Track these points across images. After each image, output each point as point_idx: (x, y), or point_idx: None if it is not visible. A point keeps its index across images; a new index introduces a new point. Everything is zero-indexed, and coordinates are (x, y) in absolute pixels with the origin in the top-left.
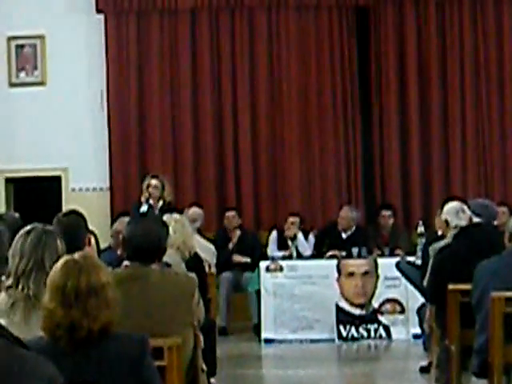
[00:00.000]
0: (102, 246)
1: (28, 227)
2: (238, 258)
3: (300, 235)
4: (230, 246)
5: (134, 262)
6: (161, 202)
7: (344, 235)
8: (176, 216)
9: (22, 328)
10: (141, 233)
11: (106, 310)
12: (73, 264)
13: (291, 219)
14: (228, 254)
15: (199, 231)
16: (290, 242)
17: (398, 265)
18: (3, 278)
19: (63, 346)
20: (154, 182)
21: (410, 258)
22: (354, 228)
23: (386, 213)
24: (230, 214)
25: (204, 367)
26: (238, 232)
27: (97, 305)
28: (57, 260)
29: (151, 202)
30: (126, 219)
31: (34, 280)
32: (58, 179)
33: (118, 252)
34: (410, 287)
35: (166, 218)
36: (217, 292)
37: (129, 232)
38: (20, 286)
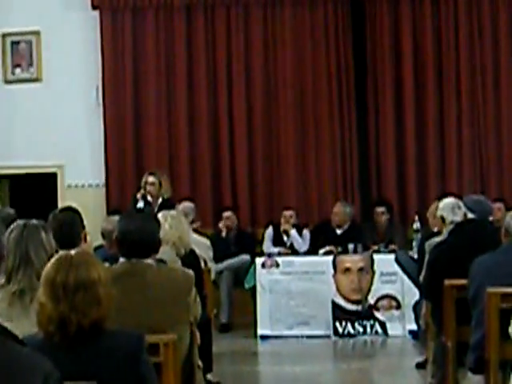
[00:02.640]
0: (96, 243)
1: (11, 226)
2: None
3: (293, 232)
4: (223, 234)
5: (130, 258)
6: (160, 200)
7: (338, 231)
8: (173, 212)
9: (23, 322)
10: (134, 229)
11: (97, 307)
12: (64, 259)
13: (286, 213)
14: (225, 244)
15: (193, 228)
16: (285, 238)
17: (396, 258)
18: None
19: (57, 341)
20: (150, 179)
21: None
22: (348, 224)
23: (380, 209)
24: (226, 214)
25: (200, 364)
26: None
27: (85, 300)
28: (44, 251)
29: (149, 198)
30: (115, 218)
31: (24, 275)
32: (53, 176)
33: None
34: (407, 283)
35: (162, 214)
36: (218, 289)
37: (121, 229)
38: (11, 283)
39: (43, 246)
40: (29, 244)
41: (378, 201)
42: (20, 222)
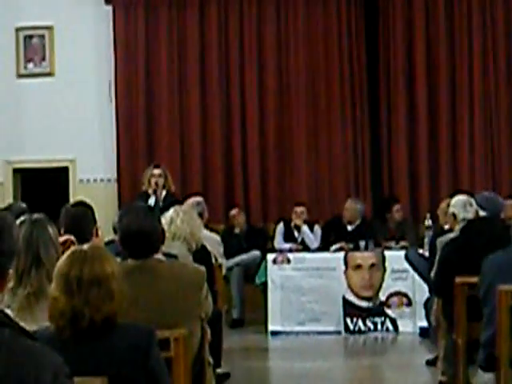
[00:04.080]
0: (107, 238)
1: (16, 223)
2: None
3: (305, 228)
4: (237, 230)
5: (137, 259)
6: (164, 192)
7: (349, 228)
8: (184, 208)
9: (28, 323)
10: (135, 230)
11: (110, 302)
12: (79, 253)
13: (298, 209)
14: (237, 240)
15: (204, 224)
16: (296, 233)
17: (406, 255)
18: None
19: (68, 336)
20: (156, 171)
21: (419, 251)
22: (359, 220)
23: (397, 207)
24: (232, 212)
25: (211, 360)
26: (244, 225)
27: (99, 295)
28: (54, 249)
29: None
30: None
31: (36, 275)
32: (65, 170)
33: None
34: (417, 280)
35: (173, 209)
36: (228, 285)
37: (123, 232)
38: (23, 285)
39: (53, 243)
40: (39, 244)
41: (395, 198)
42: (27, 217)
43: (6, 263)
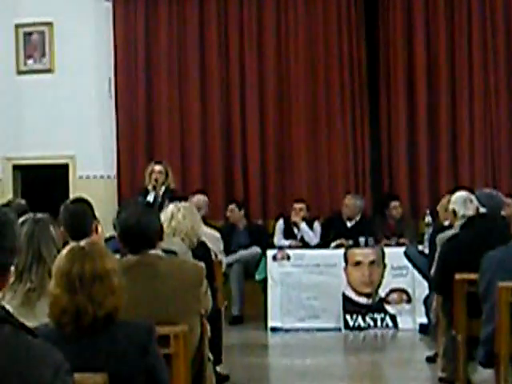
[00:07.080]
0: (108, 234)
1: (19, 221)
2: None
3: (303, 225)
4: (239, 227)
5: (136, 253)
6: (163, 188)
7: (349, 224)
8: (184, 203)
9: (29, 318)
10: (134, 224)
11: (112, 297)
12: (78, 250)
13: (297, 206)
14: (236, 237)
15: (204, 220)
16: (296, 230)
17: (406, 252)
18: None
19: (69, 332)
20: (157, 167)
21: (418, 248)
22: (359, 217)
23: (395, 203)
24: (230, 207)
25: (210, 356)
26: (243, 221)
27: (102, 291)
28: (55, 247)
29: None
30: None
31: (36, 272)
32: (65, 167)
33: None
34: (417, 277)
35: (174, 205)
36: (228, 281)
37: (121, 227)
38: (23, 282)
39: (54, 242)
40: (40, 241)
41: (393, 195)
42: (29, 216)
43: (7, 259)
